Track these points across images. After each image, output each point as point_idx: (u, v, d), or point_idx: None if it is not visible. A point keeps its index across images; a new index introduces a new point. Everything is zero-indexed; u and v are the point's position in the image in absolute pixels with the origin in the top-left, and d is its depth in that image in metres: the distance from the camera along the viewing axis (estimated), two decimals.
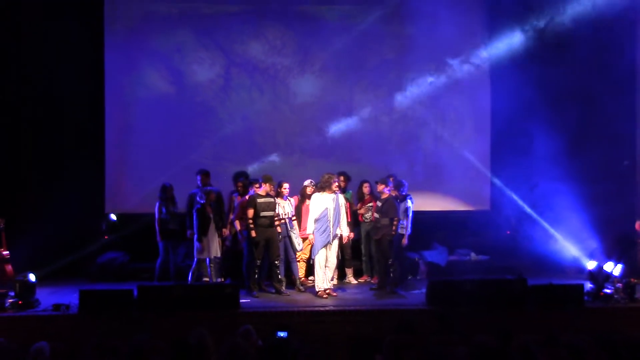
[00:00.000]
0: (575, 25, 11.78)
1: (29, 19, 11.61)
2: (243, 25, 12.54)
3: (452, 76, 12.76)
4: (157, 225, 10.52)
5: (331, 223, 10.00)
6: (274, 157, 12.48)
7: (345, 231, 10.34)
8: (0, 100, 11.55)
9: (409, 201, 10.53)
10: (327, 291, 10.05)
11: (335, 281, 10.64)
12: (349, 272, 11.32)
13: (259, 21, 12.60)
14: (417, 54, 12.57)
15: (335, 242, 10.18)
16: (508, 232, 12.52)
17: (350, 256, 11.23)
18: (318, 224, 10.00)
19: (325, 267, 10.08)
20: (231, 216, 10.65)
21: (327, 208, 10.00)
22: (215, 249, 10.19)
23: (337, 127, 12.68)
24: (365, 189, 11.24)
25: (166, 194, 10.58)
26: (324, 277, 10.04)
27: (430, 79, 12.74)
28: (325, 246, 10.02)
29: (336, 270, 10.57)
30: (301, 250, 10.60)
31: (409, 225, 10.51)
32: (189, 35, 12.49)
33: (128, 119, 12.36)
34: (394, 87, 12.80)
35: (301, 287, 10.48)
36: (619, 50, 12.05)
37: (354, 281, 11.25)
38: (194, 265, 10.22)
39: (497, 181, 12.65)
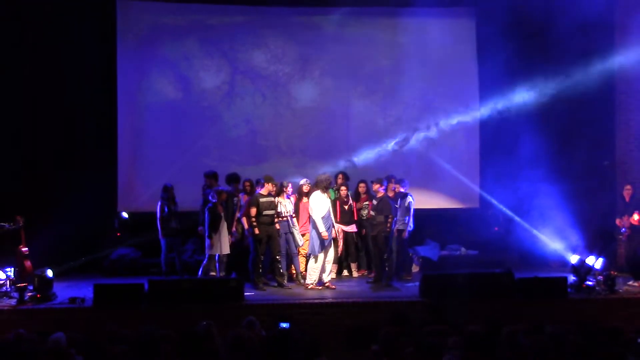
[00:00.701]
0: (560, 34, 11.79)
1: (46, 29, 11.63)
2: (246, 35, 12.58)
3: (443, 81, 12.80)
4: (159, 224, 10.52)
5: (333, 221, 10.16)
6: (276, 159, 12.51)
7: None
8: (20, 105, 11.56)
9: (409, 197, 10.61)
10: (327, 284, 10.07)
11: (334, 275, 10.69)
12: (354, 266, 11.36)
13: (261, 31, 12.63)
14: (410, 61, 12.58)
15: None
16: (496, 229, 12.54)
17: (354, 252, 11.29)
18: (323, 222, 10.01)
19: (326, 262, 10.11)
20: (237, 214, 10.66)
21: (329, 207, 10.07)
22: (226, 246, 10.17)
23: (336, 130, 12.72)
24: (362, 188, 11.28)
25: (167, 194, 10.58)
26: (319, 272, 10.08)
27: (422, 84, 12.77)
28: (328, 243, 10.07)
29: (335, 264, 10.66)
30: (302, 245, 10.63)
31: (411, 221, 10.59)
32: (195, 45, 12.52)
33: (139, 123, 12.38)
34: (389, 92, 12.84)
35: (302, 281, 10.51)
36: (600, 57, 12.06)
37: (355, 274, 11.28)
38: (205, 261, 10.19)
39: (485, 181, 12.66)
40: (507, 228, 12.26)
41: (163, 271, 10.63)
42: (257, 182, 10.55)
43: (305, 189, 10.68)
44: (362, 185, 11.30)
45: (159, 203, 10.54)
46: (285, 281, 10.37)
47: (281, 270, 10.35)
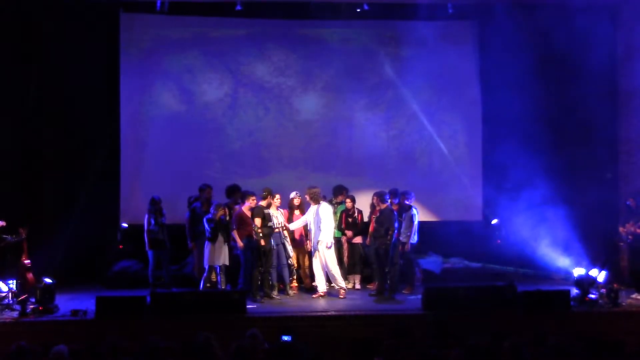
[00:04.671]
0: (564, 46, 11.83)
1: (49, 42, 11.74)
2: (249, 48, 12.64)
3: (446, 93, 12.86)
4: (145, 236, 10.58)
5: (312, 232, 10.32)
6: (278, 171, 12.54)
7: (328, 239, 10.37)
8: (24, 119, 11.62)
9: (413, 210, 10.68)
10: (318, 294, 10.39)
11: (347, 285, 10.84)
12: (357, 279, 11.29)
13: (264, 44, 12.69)
14: (413, 73, 12.60)
15: (321, 249, 10.26)
16: (498, 242, 12.53)
17: (359, 264, 11.23)
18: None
19: (314, 269, 10.45)
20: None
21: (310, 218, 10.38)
22: (225, 257, 10.20)
23: (338, 142, 12.77)
24: (375, 200, 11.15)
25: (155, 206, 10.62)
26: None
27: (425, 97, 12.82)
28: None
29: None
30: (292, 256, 10.73)
31: (414, 233, 10.65)
32: (199, 57, 12.58)
33: (142, 135, 12.42)
34: (391, 105, 12.87)
35: (290, 292, 10.61)
36: (604, 72, 12.09)
37: (358, 287, 11.23)
38: (205, 273, 10.20)
39: (488, 193, 12.67)
40: (510, 240, 12.22)
41: (150, 283, 10.63)
42: (245, 193, 10.41)
43: (296, 202, 10.78)
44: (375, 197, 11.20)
45: (146, 215, 10.59)
46: (276, 293, 10.42)
47: (271, 283, 10.38)
